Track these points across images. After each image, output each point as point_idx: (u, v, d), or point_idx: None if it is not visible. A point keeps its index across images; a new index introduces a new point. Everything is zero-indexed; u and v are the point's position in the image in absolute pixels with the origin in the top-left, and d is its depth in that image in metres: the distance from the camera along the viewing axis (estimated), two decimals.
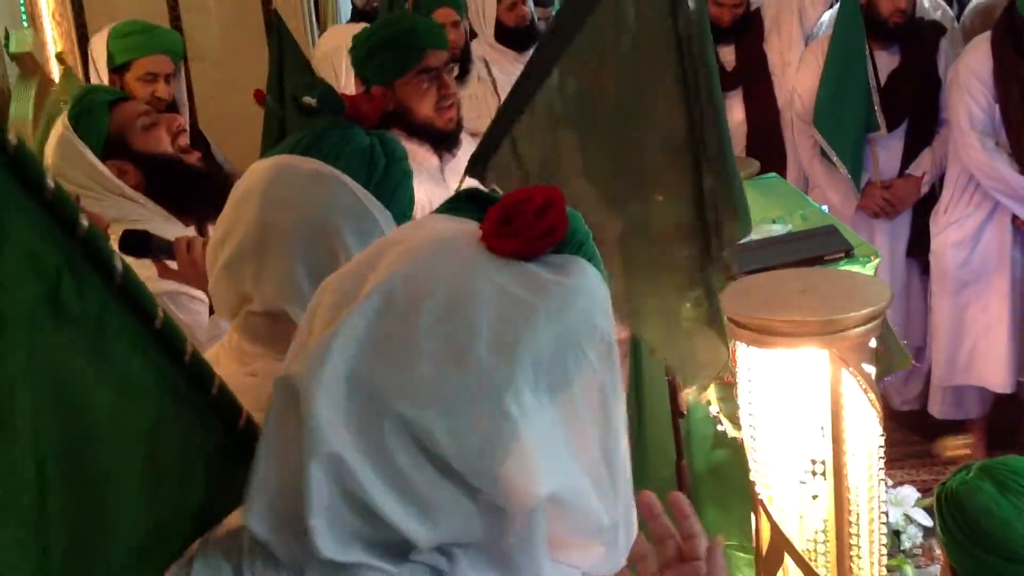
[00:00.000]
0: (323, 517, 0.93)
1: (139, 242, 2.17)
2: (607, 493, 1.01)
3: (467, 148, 3.32)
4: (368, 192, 1.53)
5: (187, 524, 1.04)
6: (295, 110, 1.59)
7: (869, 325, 2.13)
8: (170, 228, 2.45)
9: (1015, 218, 4.04)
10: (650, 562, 1.21)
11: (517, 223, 1.00)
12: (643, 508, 1.18)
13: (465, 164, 3.29)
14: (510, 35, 4.54)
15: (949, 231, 4.14)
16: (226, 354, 1.59)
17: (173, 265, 2.19)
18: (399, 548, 0.96)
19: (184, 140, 2.55)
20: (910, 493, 3.24)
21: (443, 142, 3.06)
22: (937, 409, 4.30)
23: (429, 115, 2.99)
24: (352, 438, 0.93)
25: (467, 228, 1.05)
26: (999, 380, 4.13)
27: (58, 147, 2.49)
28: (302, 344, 1.00)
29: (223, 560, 1.01)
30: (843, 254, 2.38)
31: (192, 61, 5.13)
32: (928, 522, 3.27)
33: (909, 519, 3.19)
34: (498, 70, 4.35)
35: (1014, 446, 4.22)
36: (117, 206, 2.47)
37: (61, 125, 2.51)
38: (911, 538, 3.16)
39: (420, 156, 3.06)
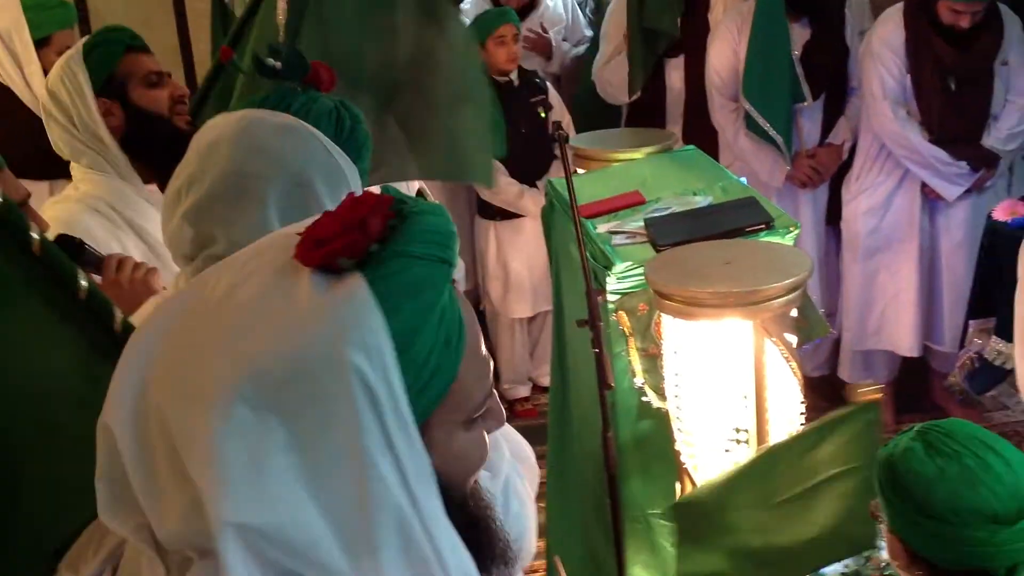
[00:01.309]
0: (102, 481, 0.95)
1: (69, 250, 2.08)
2: (357, 537, 0.91)
3: None
4: (338, 148, 1.58)
5: None
6: (257, 71, 1.61)
7: (791, 295, 2.16)
8: (125, 190, 2.45)
9: (924, 186, 4.14)
10: None
11: (320, 230, 0.93)
12: None
13: None
14: None
15: (860, 199, 4.22)
16: None
17: (98, 279, 2.13)
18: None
19: (183, 111, 2.52)
20: None
21: None
22: (847, 374, 4.40)
23: None
24: (127, 416, 0.93)
25: (288, 242, 0.97)
26: (907, 344, 4.24)
27: (63, 66, 2.47)
28: None
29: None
30: (764, 226, 2.40)
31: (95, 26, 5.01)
32: None
33: None
34: None
35: (920, 409, 4.37)
36: (80, 146, 2.46)
37: (75, 49, 2.50)
38: None
39: None
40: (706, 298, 2.14)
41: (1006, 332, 3.41)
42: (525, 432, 1.68)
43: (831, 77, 4.24)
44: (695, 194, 2.63)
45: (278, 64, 1.60)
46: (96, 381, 1.00)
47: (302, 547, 0.90)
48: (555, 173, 4.28)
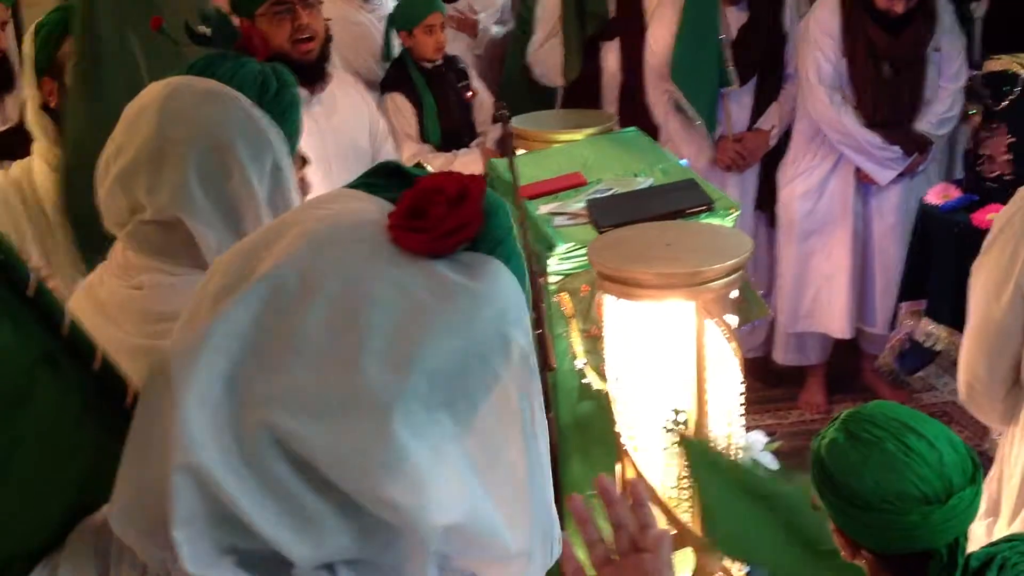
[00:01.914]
0: (188, 530, 0.84)
1: None
2: (519, 517, 0.93)
3: (343, 88, 3.26)
4: (262, 111, 1.61)
5: (68, 497, 0.98)
6: (188, 38, 1.62)
7: (732, 276, 2.18)
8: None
9: (858, 170, 4.20)
10: (600, 550, 1.15)
11: (427, 216, 0.90)
12: (601, 493, 1.13)
13: (338, 102, 3.24)
14: None
15: (796, 182, 4.27)
16: (109, 272, 1.66)
17: None
18: (276, 565, 0.87)
19: None
20: (758, 438, 3.35)
21: (304, 73, 3.01)
22: (781, 356, 4.45)
23: (283, 46, 2.98)
24: (224, 446, 0.84)
25: (374, 214, 0.94)
26: (839, 326, 4.30)
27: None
28: (189, 321, 0.91)
29: (91, 561, 0.94)
30: (704, 207, 2.42)
31: (26, 7, 4.86)
32: (774, 465, 3.39)
33: (757, 463, 3.30)
34: None
35: (852, 390, 4.44)
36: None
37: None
38: None
39: None
40: (649, 279, 2.15)
41: (936, 314, 3.49)
42: None
43: (764, 62, 4.26)
44: (636, 176, 2.64)
45: (207, 30, 1.62)
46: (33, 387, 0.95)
47: (487, 537, 0.90)
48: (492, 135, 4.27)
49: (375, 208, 0.95)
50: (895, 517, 1.58)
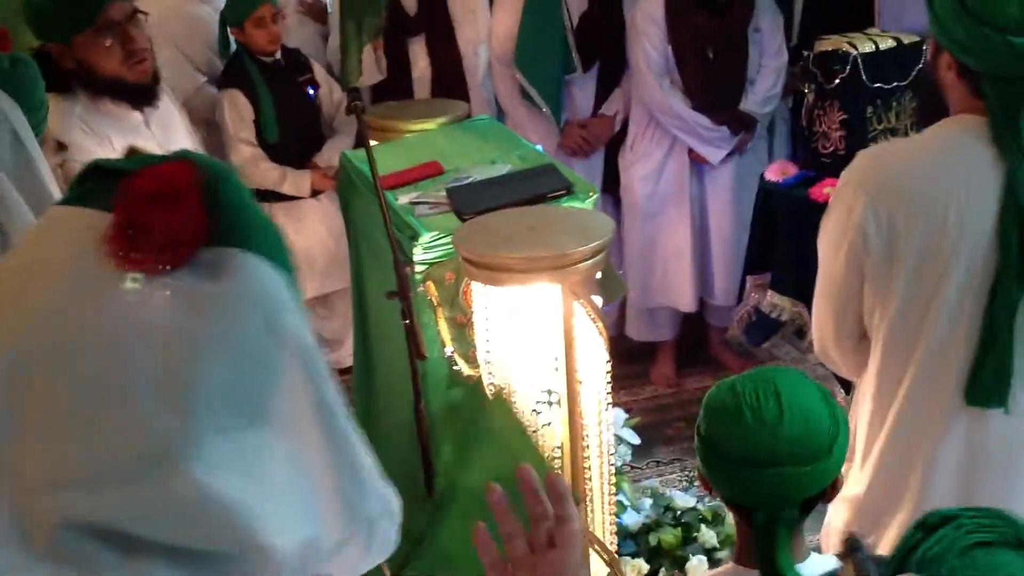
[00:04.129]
0: None
1: None
2: (349, 495, 0.90)
3: (166, 101, 3.16)
4: None
5: None
6: None
7: (596, 258, 2.22)
8: None
9: (691, 151, 4.32)
10: (517, 544, 1.08)
11: (147, 230, 0.82)
12: (521, 485, 1.08)
13: (173, 112, 3.15)
14: None
15: (636, 166, 4.38)
16: None
17: None
18: None
19: None
20: (619, 414, 3.44)
21: (139, 96, 2.90)
22: (634, 332, 4.57)
23: (117, 70, 2.84)
24: (12, 547, 0.77)
25: (87, 238, 0.83)
26: (686, 300, 4.44)
27: None
28: None
29: None
30: (565, 191, 2.46)
31: None
32: (636, 440, 3.48)
33: (619, 439, 3.38)
34: None
35: (700, 362, 4.60)
36: None
37: None
38: (622, 457, 3.36)
39: (119, 113, 2.90)
40: (516, 264, 2.17)
41: (780, 286, 3.63)
42: None
43: (606, 49, 4.34)
44: (494, 162, 2.65)
45: None
46: None
47: (322, 534, 0.89)
48: (328, 153, 4.21)
49: (88, 236, 0.84)
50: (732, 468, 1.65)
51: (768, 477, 1.62)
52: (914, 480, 2.15)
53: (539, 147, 2.79)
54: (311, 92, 4.24)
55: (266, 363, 0.84)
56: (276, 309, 0.86)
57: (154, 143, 2.84)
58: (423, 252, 2.41)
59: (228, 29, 4.16)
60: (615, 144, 4.47)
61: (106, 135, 2.81)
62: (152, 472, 0.78)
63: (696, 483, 3.44)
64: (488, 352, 2.32)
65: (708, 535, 3.05)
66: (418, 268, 2.41)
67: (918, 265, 2.02)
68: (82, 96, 2.82)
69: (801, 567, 1.69)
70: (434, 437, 2.53)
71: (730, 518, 2.52)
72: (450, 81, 4.35)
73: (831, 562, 1.73)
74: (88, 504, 0.77)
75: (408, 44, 4.43)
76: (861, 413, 2.22)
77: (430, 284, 2.40)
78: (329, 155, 4.17)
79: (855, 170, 2.09)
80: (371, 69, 4.45)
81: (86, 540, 0.78)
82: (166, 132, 2.99)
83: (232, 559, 0.82)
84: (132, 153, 0.96)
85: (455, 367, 2.45)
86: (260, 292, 0.85)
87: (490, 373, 2.33)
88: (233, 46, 4.18)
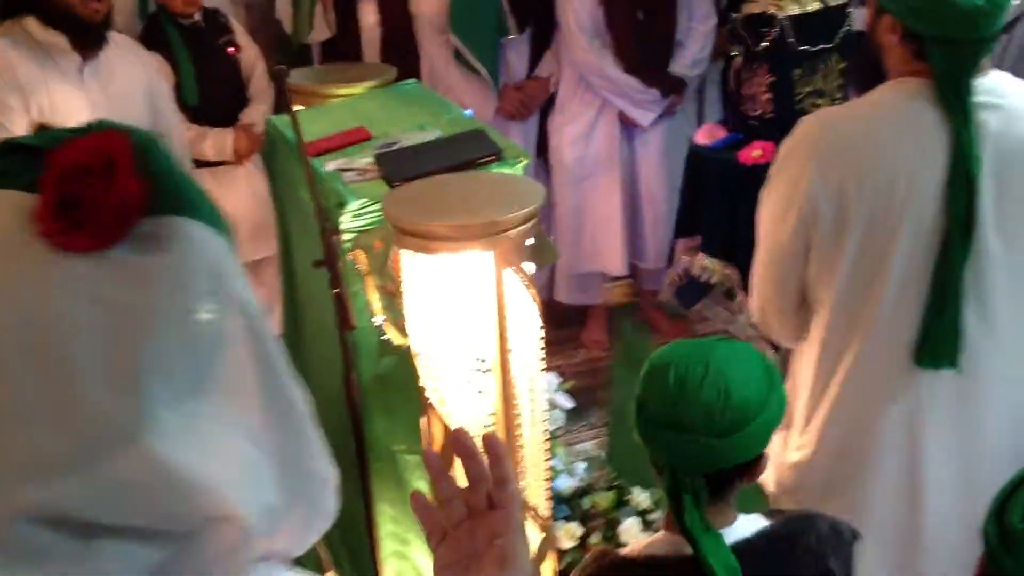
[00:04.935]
0: None
1: None
2: (295, 460, 0.89)
3: (118, 52, 3.07)
4: None
5: None
6: None
7: (528, 225, 2.19)
8: None
9: (622, 114, 4.32)
10: (456, 507, 1.06)
11: (81, 205, 0.78)
12: (457, 447, 1.05)
13: (115, 69, 3.05)
14: None
15: (565, 130, 4.36)
16: None
17: None
18: None
19: None
20: (552, 379, 3.44)
21: (85, 35, 2.83)
22: (564, 296, 4.57)
23: (71, 1, 2.82)
24: None
25: (13, 221, 0.79)
26: (616, 264, 4.46)
27: None
28: None
29: None
30: (494, 157, 2.43)
31: None
32: (569, 404, 3.49)
33: (553, 403, 3.38)
34: None
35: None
36: None
37: None
38: (555, 421, 3.36)
39: (57, 50, 2.82)
40: (446, 232, 2.14)
41: (710, 249, 3.64)
42: None
43: (538, 10, 4.30)
44: (422, 128, 2.61)
45: None
46: None
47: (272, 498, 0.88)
48: (249, 112, 4.13)
49: (13, 218, 0.80)
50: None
51: (677, 441, 1.61)
52: (865, 443, 2.16)
53: (469, 112, 2.74)
54: (231, 54, 4.16)
55: (214, 332, 0.83)
56: (222, 275, 0.84)
57: (83, 95, 2.77)
58: (351, 220, 2.37)
59: None
60: (547, 107, 4.44)
61: (21, 85, 2.75)
62: (105, 455, 0.76)
63: None
64: (418, 321, 2.29)
65: (641, 496, 3.07)
66: (346, 236, 2.37)
67: (867, 230, 2.02)
68: (32, 24, 2.78)
69: (728, 531, 1.69)
70: (365, 407, 2.51)
71: None
72: (399, 40, 4.29)
73: (759, 522, 1.73)
74: (39, 495, 0.75)
75: (358, 2, 4.36)
76: (801, 380, 2.23)
77: (359, 252, 2.36)
78: (250, 116, 4.09)
79: (800, 138, 2.08)
80: (322, 26, 4.38)
81: (41, 533, 0.75)
82: (104, 90, 2.91)
83: (201, 533, 0.81)
84: (40, 129, 0.91)
85: (385, 336, 2.42)
86: (205, 259, 0.83)
87: (421, 342, 2.30)
88: (152, 8, 4.08)
